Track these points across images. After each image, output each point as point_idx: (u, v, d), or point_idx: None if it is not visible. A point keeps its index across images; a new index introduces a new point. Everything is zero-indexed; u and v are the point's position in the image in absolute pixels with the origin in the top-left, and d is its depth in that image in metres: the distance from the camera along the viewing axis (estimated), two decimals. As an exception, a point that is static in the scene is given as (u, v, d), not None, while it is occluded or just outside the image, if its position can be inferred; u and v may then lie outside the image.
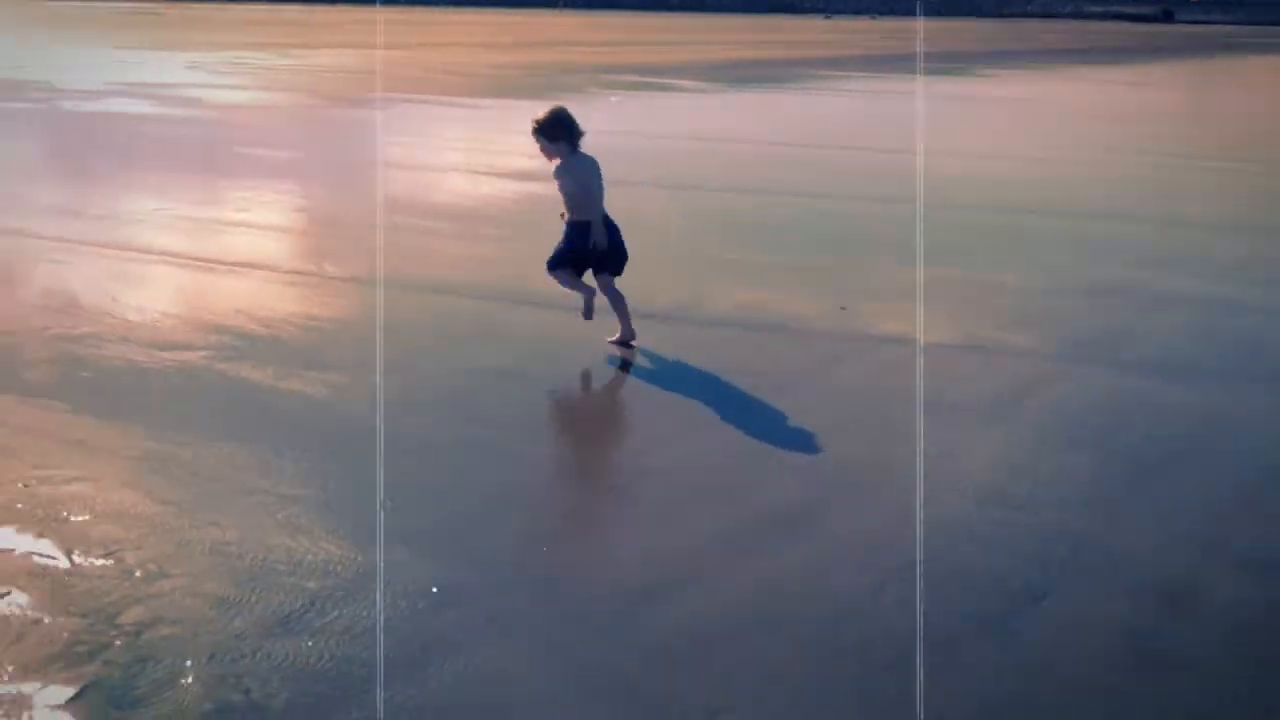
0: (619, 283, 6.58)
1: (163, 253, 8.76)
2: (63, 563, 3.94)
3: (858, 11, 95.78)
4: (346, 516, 4.36)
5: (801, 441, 5.32)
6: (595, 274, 6.57)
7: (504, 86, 25.39)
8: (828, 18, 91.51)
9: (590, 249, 6.43)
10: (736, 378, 6.16)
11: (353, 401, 5.65)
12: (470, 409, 5.59)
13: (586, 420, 6.02)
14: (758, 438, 5.35)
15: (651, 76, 29.08)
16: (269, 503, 4.45)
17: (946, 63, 37.60)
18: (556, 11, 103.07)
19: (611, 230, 6.51)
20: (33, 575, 3.86)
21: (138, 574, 3.87)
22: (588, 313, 6.67)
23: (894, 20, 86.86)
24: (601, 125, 18.45)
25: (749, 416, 5.62)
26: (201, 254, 8.74)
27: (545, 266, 6.66)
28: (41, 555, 3.99)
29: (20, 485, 4.54)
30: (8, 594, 3.73)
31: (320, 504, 4.46)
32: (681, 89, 26.08)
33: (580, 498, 4.98)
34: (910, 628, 3.63)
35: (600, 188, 6.46)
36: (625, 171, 13.24)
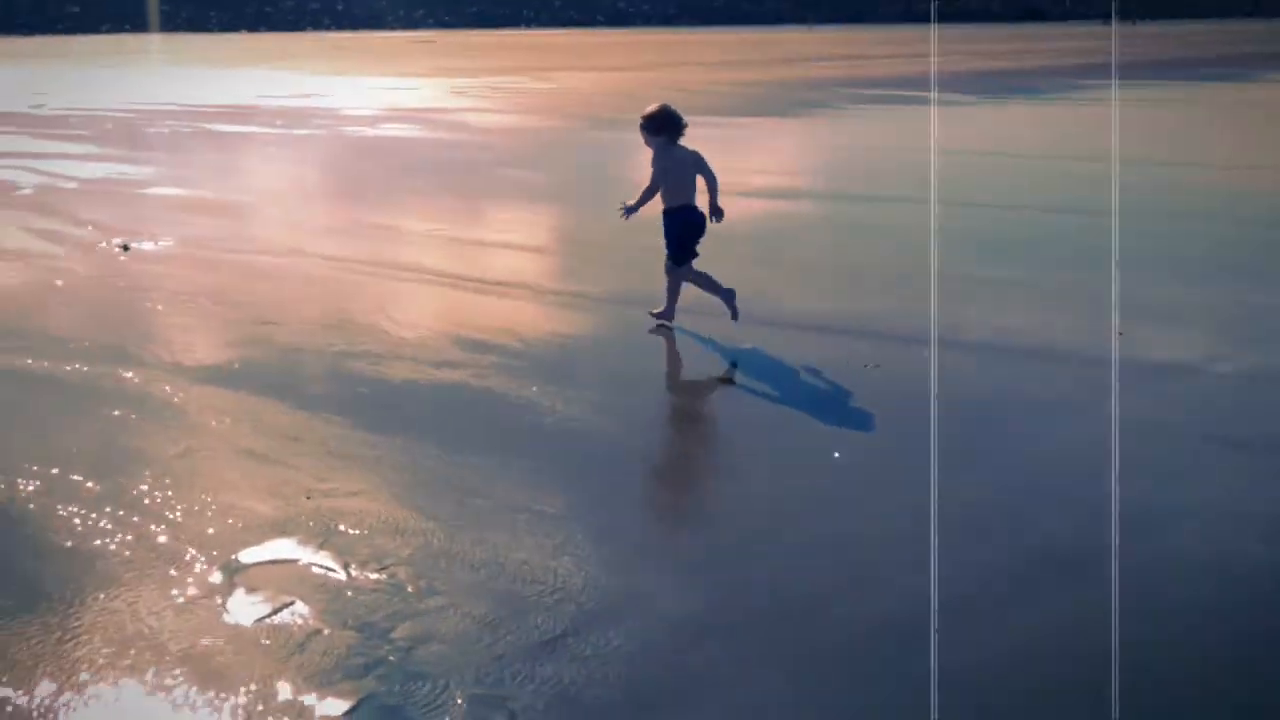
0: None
1: (432, 272, 9.06)
2: (340, 575, 4.06)
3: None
4: (608, 537, 4.33)
5: (1082, 478, 4.97)
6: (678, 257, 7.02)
7: (749, 104, 25.34)
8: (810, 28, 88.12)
9: (688, 231, 6.93)
10: (1004, 407, 5.83)
11: (611, 419, 5.65)
12: (734, 435, 5.50)
13: (848, 447, 5.81)
14: (1034, 473, 5.03)
15: (901, 89, 28.45)
16: (533, 521, 4.47)
17: (1148, 71, 35.24)
18: (805, 29, 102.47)
19: (700, 217, 6.99)
20: (314, 587, 3.98)
21: (409, 589, 3.94)
22: (734, 314, 7.06)
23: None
24: (858, 139, 18.25)
25: (1019, 449, 5.29)
26: (467, 274, 9.00)
27: (666, 269, 7.09)
28: (321, 567, 4.12)
29: (304, 498, 4.73)
30: (292, 604, 3.86)
31: (582, 524, 4.44)
32: (952, 102, 25.36)
33: (842, 528, 4.80)
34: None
35: (693, 178, 7.00)
36: (882, 187, 13.01)
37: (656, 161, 7.04)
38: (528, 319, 7.67)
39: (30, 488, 4.86)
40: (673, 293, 7.20)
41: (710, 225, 7.15)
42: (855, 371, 6.35)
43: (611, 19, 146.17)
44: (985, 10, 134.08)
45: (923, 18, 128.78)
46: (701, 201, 7.10)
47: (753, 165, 15.34)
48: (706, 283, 7.14)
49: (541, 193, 13.58)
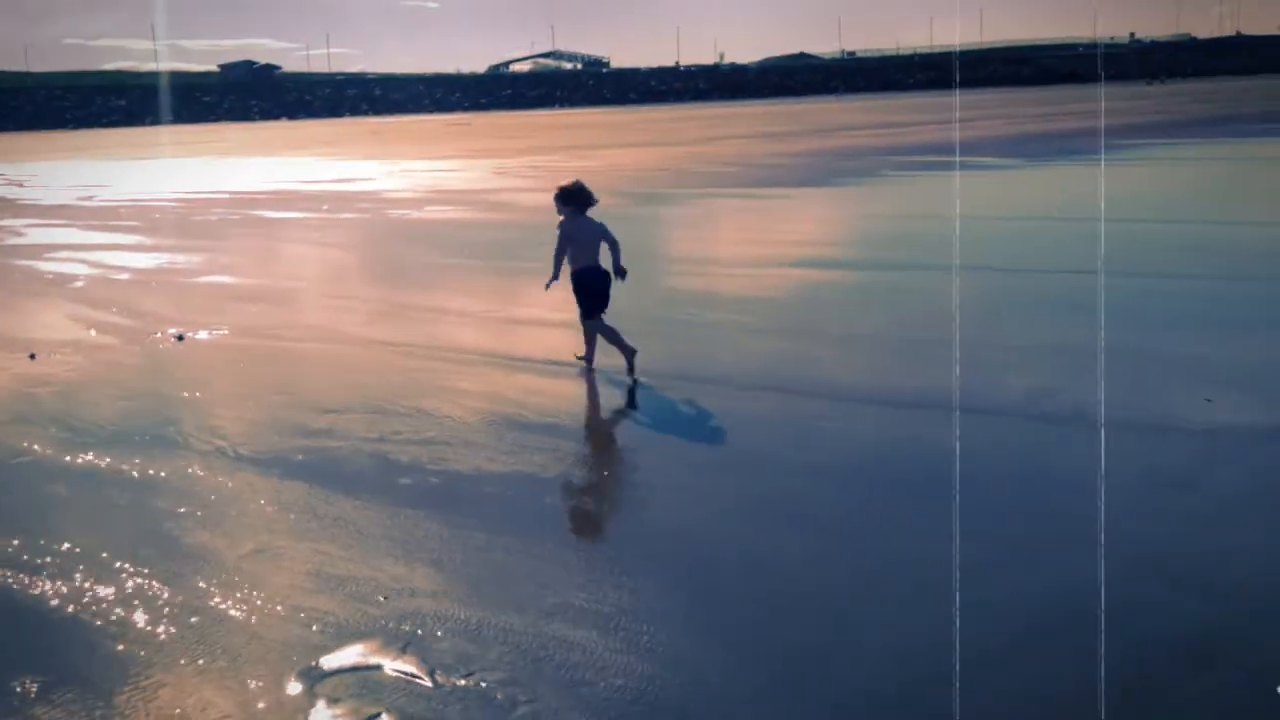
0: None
1: (483, 353, 8.95)
2: (425, 683, 3.87)
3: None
4: (704, 630, 4.12)
5: (1201, 555, 4.71)
6: (586, 311, 8.08)
7: (786, 175, 25.34)
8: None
9: (591, 287, 8.00)
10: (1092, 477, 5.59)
11: (674, 507, 5.46)
12: (793, 510, 5.28)
13: (906, 523, 5.57)
14: (1143, 553, 4.78)
15: (936, 155, 28.40)
16: (621, 618, 4.27)
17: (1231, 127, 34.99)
18: (835, 99, 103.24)
19: (602, 276, 8.05)
20: (400, 696, 3.80)
21: (498, 698, 3.75)
22: (589, 359, 8.21)
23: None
24: (896, 207, 18.12)
25: (1123, 524, 5.05)
26: (517, 354, 8.87)
27: (581, 319, 8.11)
28: (405, 674, 3.94)
29: (381, 598, 4.55)
30: (377, 716, 3.68)
31: (670, 620, 4.23)
32: (995, 166, 25.23)
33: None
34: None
35: (594, 243, 8.07)
36: (919, 254, 12.84)
37: (561, 228, 8.14)
38: (579, 398, 7.54)
39: (95, 588, 4.72)
40: (590, 341, 8.22)
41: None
42: (896, 442, 6.14)
43: (644, 96, 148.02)
44: (1016, 75, 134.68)
45: (948, 84, 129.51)
46: (607, 263, 8.10)
47: (790, 235, 15.26)
48: (612, 336, 8.08)
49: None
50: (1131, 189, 19.88)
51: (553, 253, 8.16)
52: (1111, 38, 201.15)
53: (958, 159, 27.71)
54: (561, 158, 36.74)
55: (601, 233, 8.13)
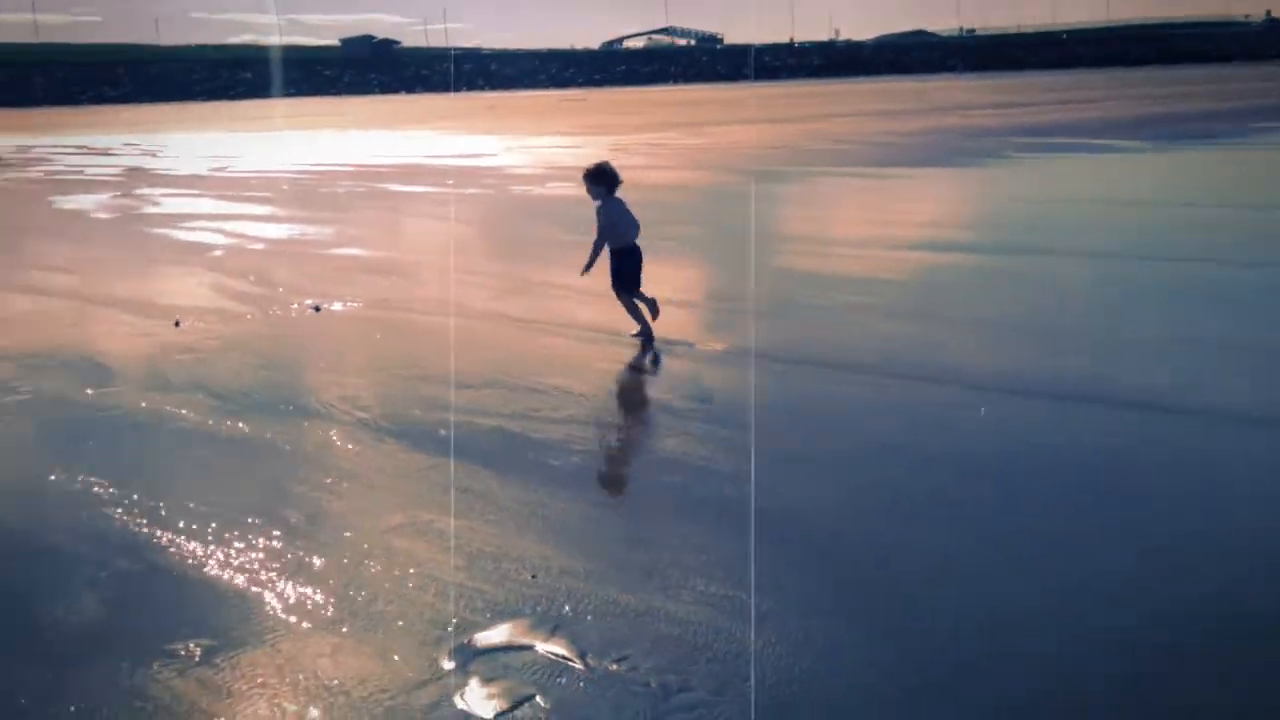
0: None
1: (600, 329, 8.93)
2: (577, 665, 3.87)
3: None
4: (856, 621, 4.04)
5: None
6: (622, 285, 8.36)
7: (906, 155, 24.87)
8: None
9: (630, 269, 8.28)
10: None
11: (816, 497, 5.37)
12: (937, 503, 5.16)
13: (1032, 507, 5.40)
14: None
15: (1063, 137, 27.60)
16: (761, 609, 4.22)
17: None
18: (954, 77, 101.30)
19: (639, 255, 8.37)
20: (551, 678, 3.80)
21: (651, 684, 3.73)
22: (647, 334, 8.44)
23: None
24: (1020, 189, 17.65)
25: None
26: (619, 328, 8.85)
27: (617, 294, 8.40)
28: (556, 656, 3.94)
29: (530, 577, 4.57)
30: (531, 698, 3.69)
31: (824, 612, 4.17)
32: (1122, 149, 24.45)
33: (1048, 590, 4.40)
34: None
35: (629, 224, 8.36)
36: (1044, 239, 12.46)
37: (601, 214, 8.38)
38: (707, 379, 7.46)
39: (246, 554, 4.83)
40: (634, 311, 8.49)
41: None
42: (1034, 433, 5.95)
43: (757, 73, 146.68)
44: (1143, 54, 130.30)
45: (1076, 63, 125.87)
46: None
47: (911, 216, 14.95)
48: (636, 311, 8.47)
49: (703, 247, 13.42)
50: (1266, 175, 19.06)
51: (607, 241, 8.37)
52: (1246, 16, 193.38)
53: (1081, 141, 26.90)
54: (677, 134, 36.60)
55: (627, 211, 8.44)
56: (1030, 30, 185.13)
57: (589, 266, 8.42)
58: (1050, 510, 5.12)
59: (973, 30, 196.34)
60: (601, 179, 8.38)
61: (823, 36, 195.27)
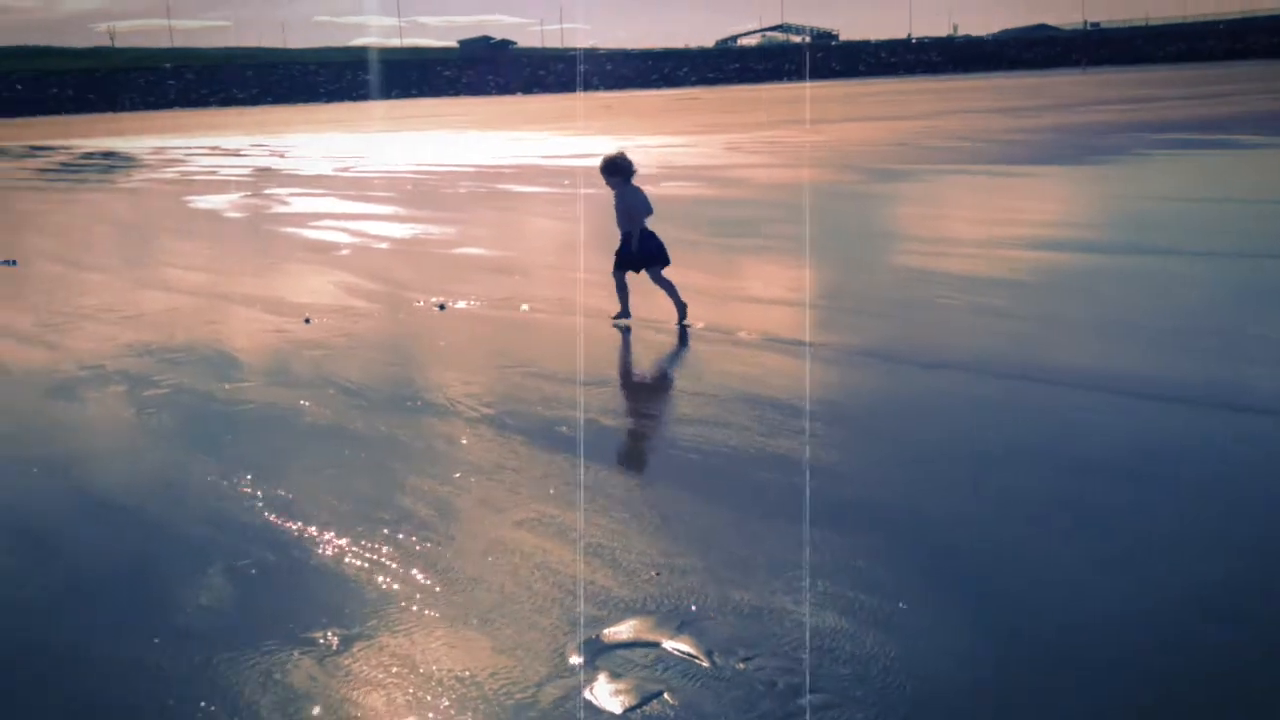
0: (666, 272, 9.19)
1: (719, 329, 8.92)
2: (704, 663, 3.89)
3: None
4: (974, 630, 3.99)
5: None
6: (647, 270, 9.14)
7: (1033, 152, 24.32)
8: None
9: (632, 252, 8.99)
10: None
11: (938, 500, 5.31)
12: (1070, 510, 5.05)
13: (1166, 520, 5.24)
14: None
15: (1199, 133, 26.70)
16: (886, 613, 4.19)
17: None
18: (1079, 72, 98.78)
19: (651, 238, 9.03)
20: (679, 675, 3.83)
21: (778, 684, 3.73)
22: (623, 314, 9.20)
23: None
24: (1154, 188, 17.12)
25: None
26: (750, 330, 8.84)
27: (652, 278, 9.12)
28: (683, 654, 3.97)
29: (654, 573, 4.61)
30: (659, 694, 3.72)
31: (947, 625, 4.12)
32: (1255, 146, 23.60)
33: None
34: None
35: (642, 210, 9.00)
36: (1222, 243, 12.07)
37: (618, 200, 9.03)
38: (825, 381, 7.40)
39: (375, 546, 4.96)
40: (669, 288, 9.16)
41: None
42: (1172, 439, 5.77)
43: (873, 69, 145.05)
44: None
45: (1208, 56, 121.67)
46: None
47: (1036, 215, 14.62)
48: (625, 294, 9.23)
49: (817, 246, 13.32)
50: None
51: (621, 225, 9.08)
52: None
53: (1217, 137, 25.99)
54: (792, 132, 36.40)
55: (643, 198, 9.07)
56: (1158, 22, 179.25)
57: (626, 243, 9.07)
58: (1182, 518, 4.98)
59: (1097, 23, 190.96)
60: (617, 170, 9.02)
61: (941, 32, 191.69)
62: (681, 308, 9.15)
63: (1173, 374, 7.16)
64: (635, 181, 9.15)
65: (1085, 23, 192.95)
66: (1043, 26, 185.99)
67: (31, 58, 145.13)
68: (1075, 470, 5.60)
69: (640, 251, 9.07)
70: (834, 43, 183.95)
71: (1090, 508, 5.13)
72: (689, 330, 9.00)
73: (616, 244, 9.28)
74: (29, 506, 5.83)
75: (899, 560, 4.64)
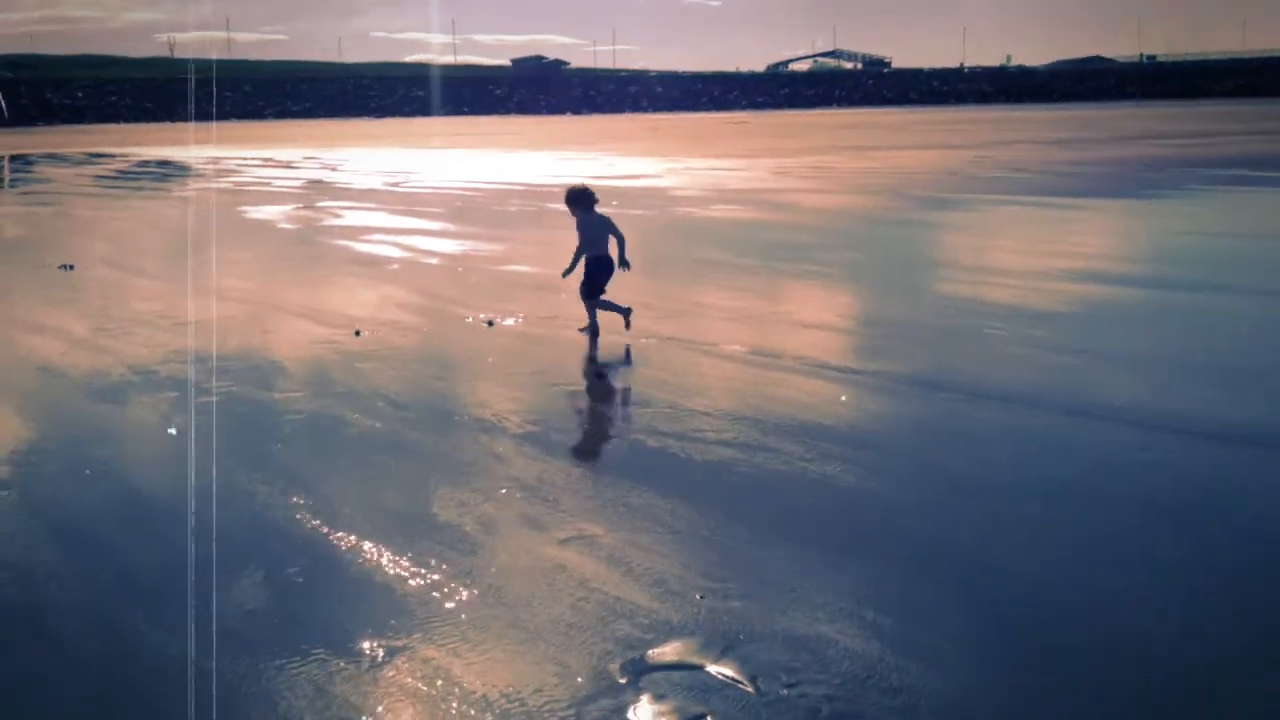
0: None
1: (770, 353, 8.92)
2: (748, 689, 3.89)
3: None
4: (1019, 670, 3.96)
5: None
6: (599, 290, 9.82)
7: (1089, 185, 24.13)
8: None
9: (600, 274, 9.81)
10: None
11: (987, 537, 5.27)
12: (1127, 549, 5.00)
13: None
14: None
15: (1263, 170, 26.39)
16: (937, 649, 4.16)
17: None
18: (1133, 105, 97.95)
19: (607, 264, 9.87)
20: (724, 701, 3.83)
21: (823, 711, 3.72)
22: (594, 331, 9.87)
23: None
24: (1211, 224, 16.91)
25: None
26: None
27: (581, 296, 9.89)
28: (727, 678, 3.97)
29: (698, 596, 4.62)
30: (703, 717, 3.72)
31: (1000, 665, 4.09)
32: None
33: None
34: None
35: (604, 236, 9.88)
36: (1232, 276, 11.91)
37: (579, 226, 9.93)
38: (879, 412, 7.38)
39: (421, 560, 4.99)
40: (592, 313, 9.90)
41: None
42: (1232, 481, 5.69)
43: (924, 97, 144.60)
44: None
45: (1265, 92, 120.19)
46: (613, 252, 9.88)
47: (1086, 249, 14.49)
48: (605, 305, 9.86)
49: (864, 272, 13.28)
50: None
51: (586, 249, 9.88)
52: None
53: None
54: (842, 158, 36.36)
55: (609, 227, 9.91)
56: (1217, 55, 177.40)
57: (569, 270, 10.02)
58: (1240, 562, 4.91)
59: (1154, 56, 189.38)
60: (581, 200, 9.95)
61: (994, 62, 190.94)
62: (594, 326, 9.96)
63: (1225, 412, 7.07)
64: (599, 209, 10.16)
65: (1141, 56, 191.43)
66: (1097, 59, 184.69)
67: (93, 67, 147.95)
68: (1125, 507, 5.54)
69: (602, 275, 9.87)
70: (886, 70, 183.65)
71: (1141, 547, 5.07)
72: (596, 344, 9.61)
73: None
74: (79, 510, 5.92)
75: (946, 594, 4.61)
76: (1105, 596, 4.56)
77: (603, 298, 9.92)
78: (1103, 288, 11.75)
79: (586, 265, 9.90)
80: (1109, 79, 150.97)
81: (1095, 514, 5.47)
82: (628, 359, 9.07)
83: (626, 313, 9.94)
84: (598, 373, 8.63)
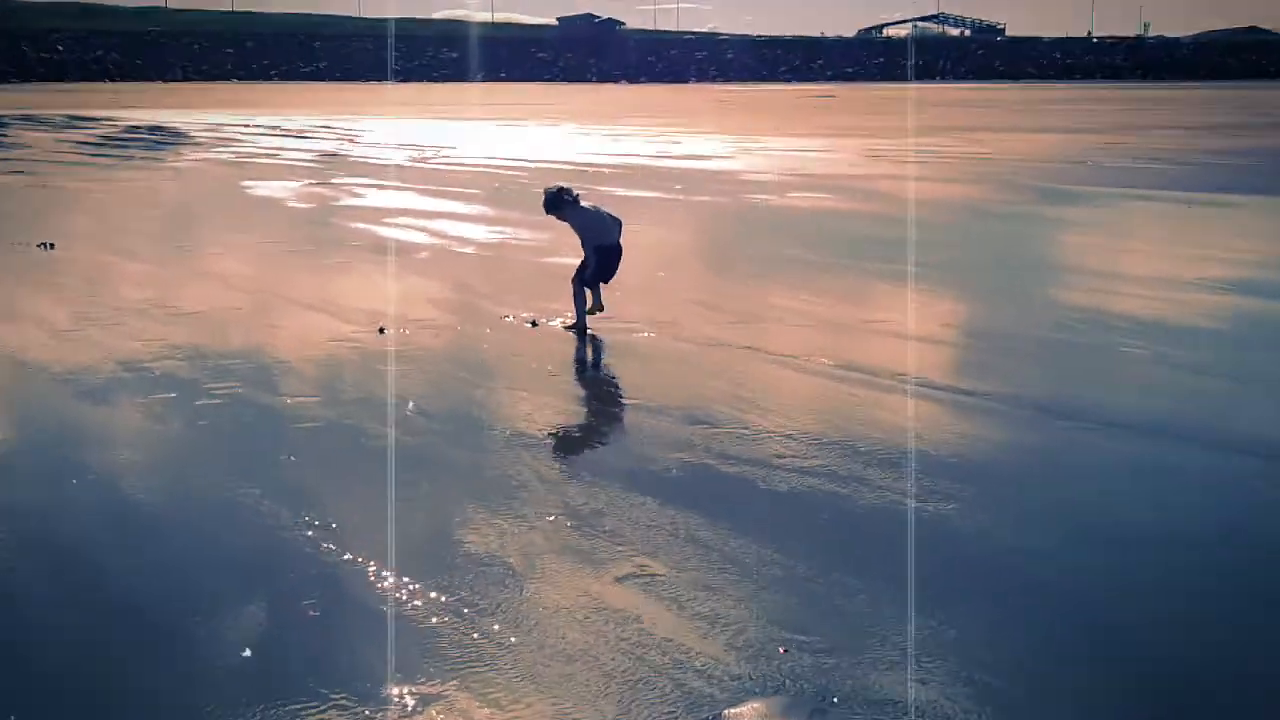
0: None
1: (827, 361, 8.91)
2: (837, 757, 3.91)
3: None
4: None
5: None
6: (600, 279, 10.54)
7: (1239, 179, 23.86)
8: None
9: (615, 261, 10.59)
10: None
11: (1045, 564, 5.24)
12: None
13: None
14: None
15: None
16: (1020, 700, 4.15)
17: None
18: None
19: (618, 251, 10.60)
20: (808, 769, 3.85)
21: (926, 789, 3.73)
22: (596, 307, 10.54)
23: None
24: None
25: None
26: (841, 360, 8.86)
27: (574, 284, 10.48)
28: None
29: (780, 650, 4.63)
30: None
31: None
32: None
33: None
34: None
35: (606, 223, 10.63)
36: None
37: (572, 223, 10.60)
38: (964, 432, 7.37)
39: (462, 594, 5.05)
40: (580, 304, 10.44)
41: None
42: None
43: (1043, 71, 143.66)
44: None
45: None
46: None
47: (1233, 253, 14.35)
48: (582, 305, 10.42)
49: (971, 275, 13.22)
50: None
51: (588, 246, 10.46)
52: None
53: None
54: (945, 140, 36.22)
55: (606, 214, 10.75)
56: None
57: (593, 273, 10.50)
58: None
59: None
60: (559, 204, 10.51)
61: (1128, 31, 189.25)
62: (582, 323, 10.47)
63: None
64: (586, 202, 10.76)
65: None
66: (1254, 30, 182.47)
67: (77, 17, 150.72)
68: (1270, 555, 5.50)
69: (616, 262, 10.60)
70: (999, 38, 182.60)
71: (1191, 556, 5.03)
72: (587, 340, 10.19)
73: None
74: (59, 530, 6.04)
75: (1073, 659, 4.60)
76: (1241, 655, 4.52)
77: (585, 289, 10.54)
78: (1252, 300, 11.63)
79: (599, 256, 10.50)
80: (1268, 52, 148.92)
81: (1254, 563, 5.42)
82: (694, 369, 9.10)
83: (597, 310, 10.54)
84: (659, 384, 8.67)
